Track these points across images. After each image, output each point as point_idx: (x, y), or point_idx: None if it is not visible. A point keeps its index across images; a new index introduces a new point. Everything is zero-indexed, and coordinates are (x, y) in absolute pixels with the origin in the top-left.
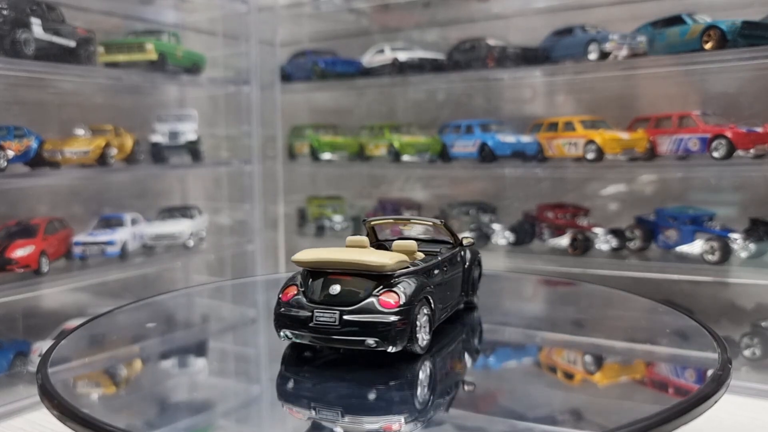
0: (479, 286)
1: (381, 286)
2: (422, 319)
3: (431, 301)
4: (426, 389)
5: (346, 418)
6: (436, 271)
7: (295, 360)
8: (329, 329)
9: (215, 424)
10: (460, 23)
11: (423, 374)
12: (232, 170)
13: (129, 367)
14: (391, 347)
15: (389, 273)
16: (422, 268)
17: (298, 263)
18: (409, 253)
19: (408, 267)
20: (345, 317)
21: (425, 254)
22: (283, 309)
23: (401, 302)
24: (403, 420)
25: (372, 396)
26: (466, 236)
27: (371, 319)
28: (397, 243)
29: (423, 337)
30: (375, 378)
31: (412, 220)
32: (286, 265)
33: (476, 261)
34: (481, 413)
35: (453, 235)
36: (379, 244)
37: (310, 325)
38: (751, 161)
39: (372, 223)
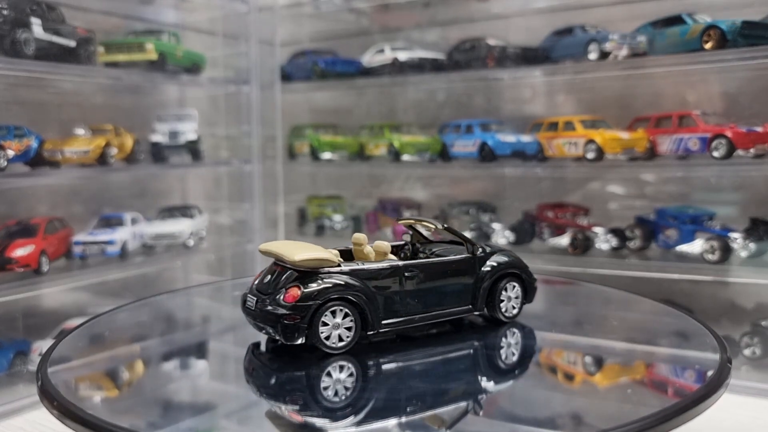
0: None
1: (295, 281)
2: (338, 319)
3: (362, 304)
4: (343, 387)
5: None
6: (393, 276)
7: (268, 345)
8: (252, 314)
9: (217, 425)
10: (460, 23)
11: (342, 373)
12: (232, 170)
13: (129, 367)
14: (287, 340)
15: (307, 269)
16: (357, 269)
17: (260, 251)
18: (382, 254)
19: (337, 266)
20: (258, 305)
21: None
22: (244, 292)
23: (299, 298)
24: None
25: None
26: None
27: (269, 309)
28: (376, 243)
29: (339, 336)
30: (312, 369)
31: (423, 222)
32: None
33: (506, 274)
34: (481, 416)
35: (466, 241)
36: (413, 244)
37: (246, 307)
38: (751, 161)
39: (401, 222)
